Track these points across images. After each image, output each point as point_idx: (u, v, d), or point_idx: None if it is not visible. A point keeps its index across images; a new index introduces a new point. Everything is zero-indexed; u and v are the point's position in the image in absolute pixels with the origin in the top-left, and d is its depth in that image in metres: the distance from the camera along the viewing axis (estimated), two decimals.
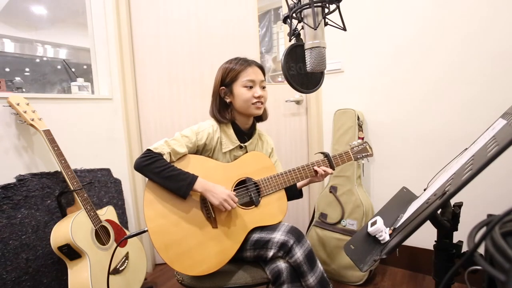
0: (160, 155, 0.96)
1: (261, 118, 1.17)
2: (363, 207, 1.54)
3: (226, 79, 1.07)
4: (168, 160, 0.97)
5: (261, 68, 1.10)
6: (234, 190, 1.04)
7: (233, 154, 1.10)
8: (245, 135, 1.13)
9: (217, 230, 0.97)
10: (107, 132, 1.67)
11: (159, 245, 0.90)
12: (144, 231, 0.94)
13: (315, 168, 1.10)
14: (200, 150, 1.07)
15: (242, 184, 1.05)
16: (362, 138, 1.65)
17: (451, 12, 1.40)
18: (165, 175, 0.93)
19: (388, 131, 1.63)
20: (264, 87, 1.09)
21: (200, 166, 1.02)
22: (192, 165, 1.01)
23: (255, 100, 1.05)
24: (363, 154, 1.17)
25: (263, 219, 1.03)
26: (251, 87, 1.05)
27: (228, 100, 1.08)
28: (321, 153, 1.15)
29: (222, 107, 1.09)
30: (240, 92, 1.05)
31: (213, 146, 1.07)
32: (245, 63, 1.07)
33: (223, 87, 1.08)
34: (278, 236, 0.97)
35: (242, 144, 1.11)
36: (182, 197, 0.95)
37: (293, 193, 1.17)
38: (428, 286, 1.49)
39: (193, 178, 0.95)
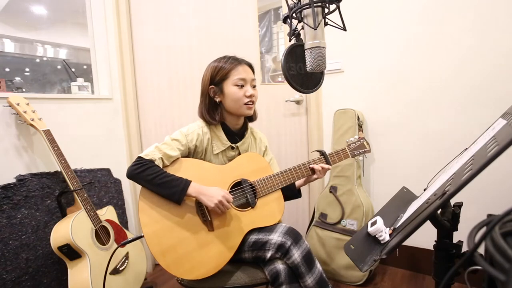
0: (151, 161, 0.94)
1: (251, 118, 1.15)
2: (363, 207, 1.54)
3: (216, 77, 1.04)
4: (161, 165, 0.96)
5: (251, 67, 1.08)
6: (230, 192, 1.03)
7: (226, 155, 1.09)
8: (236, 135, 1.11)
9: (214, 233, 0.96)
10: (107, 132, 1.68)
11: (155, 250, 0.90)
12: (140, 237, 0.94)
13: (312, 166, 1.09)
14: (192, 152, 1.06)
15: (237, 186, 1.04)
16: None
17: (451, 12, 1.40)
18: (157, 182, 0.92)
19: (388, 131, 1.63)
20: (254, 86, 1.08)
21: (194, 169, 1.01)
22: (186, 168, 1.00)
23: (246, 100, 1.03)
24: (361, 151, 1.16)
25: (260, 221, 1.02)
26: (242, 86, 1.03)
27: (218, 100, 1.05)
28: (318, 151, 1.14)
29: (211, 107, 1.06)
30: (231, 91, 1.03)
31: (204, 147, 1.05)
32: (235, 61, 1.04)
33: (213, 86, 1.05)
34: (276, 237, 0.96)
35: (233, 145, 1.09)
36: (177, 203, 0.94)
37: (292, 192, 1.16)
38: (428, 286, 1.49)
39: (186, 183, 0.94)
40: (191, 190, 0.94)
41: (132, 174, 0.94)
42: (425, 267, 1.60)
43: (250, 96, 1.04)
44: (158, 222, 0.93)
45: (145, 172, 0.93)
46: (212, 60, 1.08)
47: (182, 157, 1.02)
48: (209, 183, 0.98)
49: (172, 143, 1.00)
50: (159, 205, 0.94)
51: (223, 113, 1.08)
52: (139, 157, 0.96)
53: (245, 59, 1.08)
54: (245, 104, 1.04)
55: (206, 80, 1.06)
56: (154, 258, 0.89)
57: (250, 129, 1.17)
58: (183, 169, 1.00)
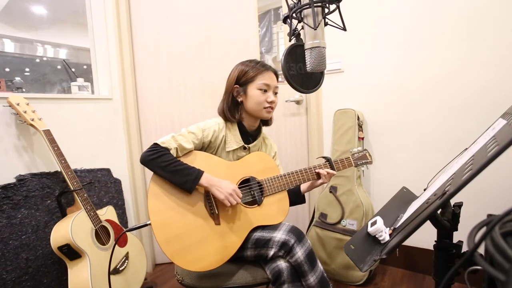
0: (166, 149, 0.96)
1: (267, 122, 1.19)
2: (363, 207, 1.54)
3: (242, 78, 1.08)
4: (174, 155, 0.98)
5: (277, 75, 1.12)
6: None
7: (236, 154, 1.11)
8: (250, 136, 1.14)
9: (220, 226, 0.97)
10: (107, 132, 1.68)
11: (161, 238, 0.90)
12: (147, 224, 0.94)
13: (318, 170, 1.11)
14: (205, 147, 1.08)
15: (245, 183, 1.06)
16: (362, 138, 1.65)
17: (451, 12, 1.40)
18: (171, 169, 0.94)
19: (388, 131, 1.63)
20: (276, 93, 1.11)
21: (205, 162, 1.03)
22: (197, 161, 1.02)
23: (267, 105, 1.08)
24: (363, 161, 1.20)
25: (265, 219, 1.04)
26: (265, 91, 1.07)
27: (239, 100, 1.09)
28: (323, 157, 1.16)
29: (233, 106, 1.10)
30: (254, 94, 1.07)
31: (217, 144, 1.08)
32: (263, 67, 1.09)
33: (237, 86, 1.09)
34: (279, 235, 0.97)
35: (246, 145, 1.11)
36: (188, 192, 0.96)
37: (297, 197, 1.18)
38: (428, 286, 1.49)
39: (199, 173, 0.96)
40: (203, 180, 0.95)
41: (147, 159, 0.95)
42: (425, 267, 1.60)
43: (271, 102, 1.08)
44: (166, 211, 0.93)
45: (159, 159, 0.94)
46: (240, 62, 1.12)
47: (195, 150, 1.05)
48: (218, 177, 0.99)
49: (188, 135, 1.02)
50: (169, 194, 0.95)
51: (242, 113, 1.11)
52: (155, 143, 0.97)
53: (272, 67, 1.12)
54: (265, 108, 1.08)
55: (232, 79, 1.10)
56: (159, 246, 0.90)
57: (263, 134, 1.20)
58: (194, 161, 1.01)
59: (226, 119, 1.10)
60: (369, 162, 1.20)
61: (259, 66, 1.09)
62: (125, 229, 1.44)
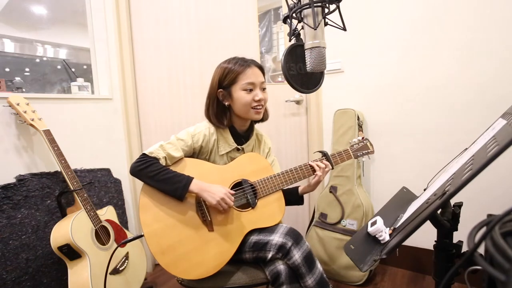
0: (155, 159, 0.95)
1: (261, 119, 1.15)
2: (363, 207, 1.54)
3: (224, 81, 1.03)
4: (164, 165, 0.97)
5: (261, 68, 1.06)
6: None
7: (230, 156, 1.09)
8: (242, 137, 1.11)
9: (214, 233, 0.96)
10: (107, 132, 1.67)
11: (155, 249, 0.90)
12: (140, 236, 0.94)
13: (311, 163, 1.08)
14: (197, 152, 1.06)
15: (238, 186, 1.04)
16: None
17: (452, 12, 1.40)
18: (160, 178, 0.93)
19: (388, 131, 1.63)
20: (264, 89, 1.06)
21: (195, 169, 1.01)
22: (187, 168, 1.00)
23: (255, 104, 1.02)
24: (364, 152, 1.15)
25: (260, 221, 1.02)
26: (251, 90, 1.02)
27: (226, 103, 1.05)
28: (319, 152, 1.14)
29: (220, 111, 1.05)
30: (240, 96, 1.01)
31: (209, 148, 1.05)
32: (244, 64, 1.02)
33: (221, 90, 1.04)
34: (276, 238, 0.96)
35: (239, 147, 1.09)
36: (179, 199, 0.94)
37: (294, 198, 1.16)
38: (428, 286, 1.49)
39: (189, 179, 0.95)
40: (193, 186, 0.94)
41: (135, 170, 0.95)
42: (425, 267, 1.60)
43: (259, 101, 1.03)
44: (158, 221, 0.93)
45: (148, 169, 0.93)
46: (221, 62, 1.07)
47: (186, 157, 1.03)
48: (209, 183, 0.98)
49: (177, 142, 1.00)
50: (160, 204, 0.95)
51: (231, 116, 1.07)
52: (143, 154, 0.96)
53: (254, 60, 1.05)
54: (253, 108, 1.03)
55: (215, 83, 1.05)
56: (154, 257, 0.90)
57: (255, 131, 1.17)
58: (184, 169, 1.00)
59: (215, 126, 1.06)
60: (371, 152, 1.15)
61: (241, 63, 1.02)
62: (126, 234, 1.44)
